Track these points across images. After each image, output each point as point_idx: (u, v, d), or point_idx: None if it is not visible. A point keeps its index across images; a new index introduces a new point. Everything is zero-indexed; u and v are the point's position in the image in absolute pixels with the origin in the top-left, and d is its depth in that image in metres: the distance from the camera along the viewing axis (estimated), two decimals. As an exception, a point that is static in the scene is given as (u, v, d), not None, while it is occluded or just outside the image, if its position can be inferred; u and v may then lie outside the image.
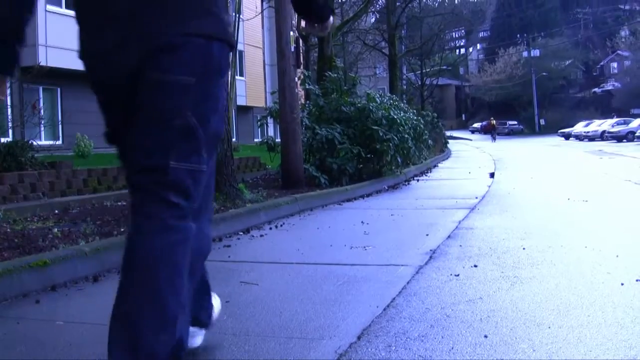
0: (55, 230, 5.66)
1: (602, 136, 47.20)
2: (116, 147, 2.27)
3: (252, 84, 33.27)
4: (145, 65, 2.02)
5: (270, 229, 6.40)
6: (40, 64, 13.19)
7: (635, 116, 55.19)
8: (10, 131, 12.49)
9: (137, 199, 2.06)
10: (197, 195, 2.09)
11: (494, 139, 55.03)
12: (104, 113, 2.25)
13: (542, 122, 76.77)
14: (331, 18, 2.49)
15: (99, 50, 2.11)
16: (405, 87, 42.70)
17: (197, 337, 2.57)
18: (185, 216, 2.04)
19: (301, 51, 11.16)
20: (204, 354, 2.61)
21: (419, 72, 44.11)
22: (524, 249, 4.79)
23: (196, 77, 2.05)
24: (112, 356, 1.92)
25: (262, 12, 30.67)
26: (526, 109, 79.70)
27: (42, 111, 13.67)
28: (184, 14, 2.05)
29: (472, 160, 23.56)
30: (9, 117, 11.92)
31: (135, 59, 2.03)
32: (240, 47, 27.34)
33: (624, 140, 42.01)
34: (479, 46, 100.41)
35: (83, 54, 2.17)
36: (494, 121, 59.48)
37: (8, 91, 10.67)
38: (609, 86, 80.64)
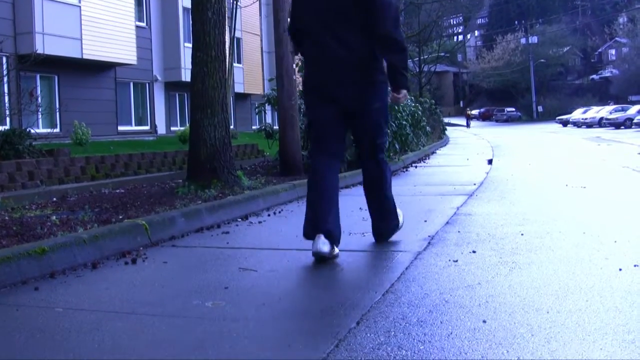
0: (54, 217, 5.66)
1: (600, 123, 47.23)
2: (322, 138, 4.42)
3: (249, 71, 33.18)
4: (358, 99, 4.28)
5: (269, 215, 6.40)
6: (37, 52, 13.15)
7: (633, 103, 55.24)
8: (8, 119, 12.47)
9: (369, 158, 4.52)
10: (385, 148, 4.67)
11: (468, 125, 61.40)
12: (315, 121, 4.47)
13: (540, 108, 76.78)
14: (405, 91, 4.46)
15: (322, 84, 4.32)
16: (403, 73, 42.47)
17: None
18: (384, 161, 4.57)
19: (299, 38, 11.10)
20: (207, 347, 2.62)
21: (417, 59, 44.00)
22: (522, 234, 4.80)
23: (382, 102, 4.40)
24: (380, 228, 4.67)
25: (259, -1, 30.58)
26: (524, 95, 79.71)
27: (39, 99, 13.63)
28: (374, 68, 4.28)
29: (470, 147, 23.55)
30: (7, 105, 11.90)
31: (351, 97, 4.27)
32: (238, 34, 27.26)
33: (622, 127, 42.07)
34: (477, 33, 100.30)
35: (310, 86, 4.42)
36: (469, 112, 68.06)
37: (5, 79, 10.56)
38: (606, 73, 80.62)
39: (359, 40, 4.17)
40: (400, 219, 4.77)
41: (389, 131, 11.30)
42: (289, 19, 10.01)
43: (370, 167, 4.55)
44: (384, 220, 4.64)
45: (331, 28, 4.18)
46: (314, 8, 4.27)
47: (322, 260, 4.03)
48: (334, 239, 4.13)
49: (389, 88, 4.47)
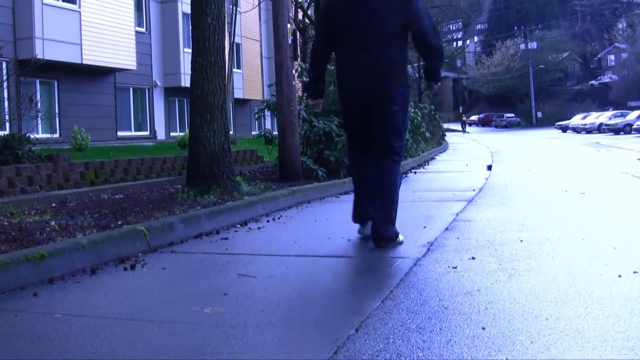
0: (53, 223, 5.66)
1: (600, 129, 47.22)
2: (354, 137, 5.09)
3: (249, 77, 33.21)
4: (378, 102, 4.74)
5: (268, 221, 6.40)
6: (37, 57, 13.16)
7: (633, 108, 55.25)
8: (7, 124, 12.47)
9: (381, 157, 4.76)
10: (402, 154, 4.95)
11: (464, 131, 63.04)
12: (348, 121, 5.13)
13: (540, 114, 76.80)
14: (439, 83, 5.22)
15: (353, 92, 4.89)
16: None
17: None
18: (397, 162, 4.86)
19: (298, 44, 11.14)
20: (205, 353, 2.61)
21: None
22: (521, 241, 4.79)
23: (400, 107, 4.79)
24: (379, 225, 4.67)
25: (259, 4, 30.61)
26: (523, 101, 79.74)
27: (39, 104, 13.62)
28: (395, 76, 4.77)
29: (470, 152, 23.55)
30: (6, 110, 11.90)
31: (372, 99, 4.75)
32: (237, 40, 27.30)
33: (621, 133, 42.06)
34: (476, 38, 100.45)
35: (344, 91, 4.98)
36: (464, 117, 71.10)
37: (5, 84, 10.57)
38: (606, 78, 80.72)
39: (390, 51, 4.74)
40: (400, 237, 4.83)
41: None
42: (288, 24, 10.03)
43: (382, 167, 4.78)
44: (386, 222, 4.70)
45: (368, 39, 4.73)
46: (351, 25, 4.80)
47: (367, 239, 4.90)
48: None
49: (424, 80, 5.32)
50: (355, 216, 5.16)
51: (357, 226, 5.75)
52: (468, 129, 68.93)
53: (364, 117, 4.85)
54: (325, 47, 5.10)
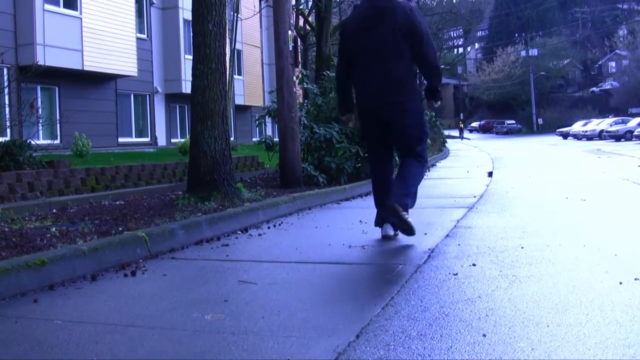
0: (53, 229, 5.65)
1: (600, 135, 47.25)
2: (374, 147, 5.58)
3: (250, 83, 33.26)
4: (395, 117, 5.25)
5: (269, 228, 6.39)
6: (38, 63, 13.18)
7: (634, 115, 55.30)
8: (8, 130, 12.49)
9: (407, 159, 5.25)
10: (425, 156, 5.40)
11: (462, 137, 63.28)
12: (367, 133, 5.58)
13: (540, 121, 76.91)
14: (439, 102, 5.59)
15: (370, 108, 5.32)
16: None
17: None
18: (421, 162, 5.31)
19: (299, 50, 11.15)
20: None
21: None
22: (522, 247, 4.79)
23: (416, 120, 5.31)
24: (395, 194, 5.02)
25: (260, 11, 30.68)
26: (524, 108, 79.86)
27: (40, 110, 13.63)
28: (407, 92, 5.22)
29: (471, 159, 23.56)
30: (7, 116, 11.91)
31: (389, 115, 5.23)
32: (238, 46, 27.34)
33: (622, 140, 42.09)
34: (477, 45, 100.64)
35: (362, 107, 5.39)
36: (462, 124, 70.98)
37: (6, 90, 10.56)
38: (607, 85, 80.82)
39: (401, 69, 5.19)
40: (409, 219, 5.04)
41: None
42: (289, 31, 10.05)
43: (408, 163, 5.28)
44: (402, 190, 5.10)
45: (380, 59, 5.16)
46: (369, 42, 5.20)
47: (389, 239, 5.26)
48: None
49: (425, 99, 5.61)
50: (377, 220, 5.53)
51: (358, 232, 5.77)
52: (468, 135, 69.11)
53: (382, 129, 5.33)
54: (346, 68, 5.50)
